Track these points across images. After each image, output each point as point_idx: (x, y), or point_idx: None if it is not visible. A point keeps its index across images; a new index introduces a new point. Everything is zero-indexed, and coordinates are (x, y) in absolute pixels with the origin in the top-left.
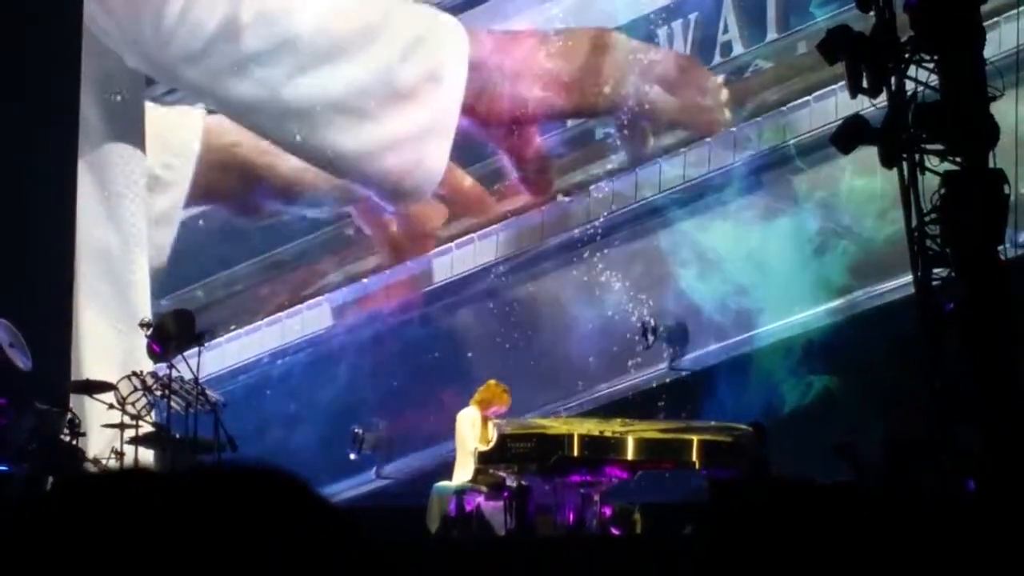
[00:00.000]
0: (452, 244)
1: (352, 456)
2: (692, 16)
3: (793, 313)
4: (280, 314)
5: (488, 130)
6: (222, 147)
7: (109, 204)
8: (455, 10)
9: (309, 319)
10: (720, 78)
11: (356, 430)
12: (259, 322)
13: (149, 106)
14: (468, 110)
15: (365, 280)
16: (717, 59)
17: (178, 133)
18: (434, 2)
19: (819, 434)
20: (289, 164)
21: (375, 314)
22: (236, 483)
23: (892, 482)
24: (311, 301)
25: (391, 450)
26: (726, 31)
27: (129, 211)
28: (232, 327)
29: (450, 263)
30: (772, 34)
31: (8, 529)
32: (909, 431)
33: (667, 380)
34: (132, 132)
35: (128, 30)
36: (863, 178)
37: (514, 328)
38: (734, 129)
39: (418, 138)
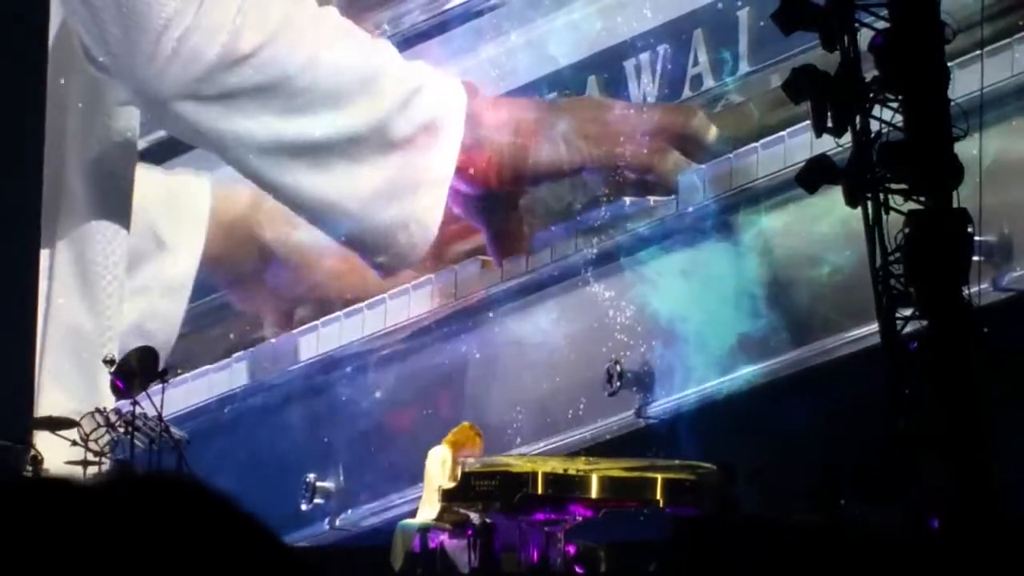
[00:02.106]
0: (408, 285)
1: (304, 506)
2: (660, 48)
3: (766, 359)
4: (228, 359)
5: (475, 191)
6: (236, 217)
7: (85, 280)
8: (414, 40)
9: (259, 362)
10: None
11: (308, 478)
12: (207, 366)
13: (155, 170)
14: (459, 169)
15: (319, 321)
16: (687, 92)
17: (185, 197)
18: (390, 32)
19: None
20: (305, 238)
21: (329, 358)
22: (152, 494)
23: (818, 511)
24: (262, 344)
25: (345, 500)
26: (696, 64)
27: (105, 292)
28: (179, 371)
29: (407, 304)
30: (745, 67)
31: None
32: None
33: (634, 428)
34: (118, 209)
35: (123, 60)
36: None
37: (472, 375)
38: (703, 167)
39: (414, 188)
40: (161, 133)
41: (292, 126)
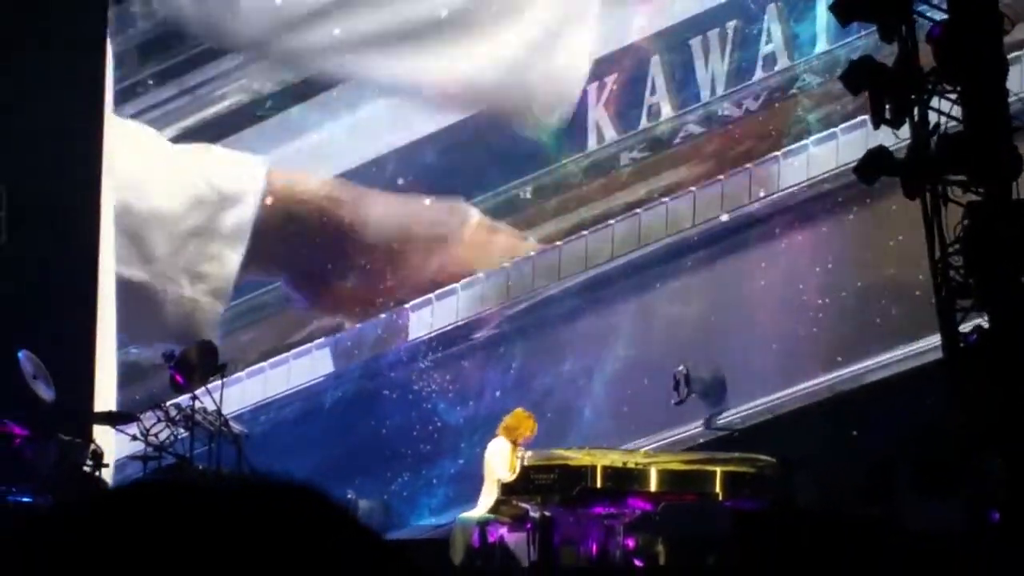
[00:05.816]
0: (457, 284)
1: None
2: (730, 24)
3: (842, 366)
4: (264, 364)
5: None
6: (287, 198)
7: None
8: None
9: (297, 369)
10: None
11: (349, 496)
12: (240, 373)
13: (207, 148)
14: None
15: (360, 325)
16: (759, 73)
17: (236, 182)
18: None
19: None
20: (370, 213)
21: (371, 364)
22: (285, 500)
23: (871, 503)
24: (299, 349)
25: (388, 519)
26: (769, 41)
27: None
28: (209, 379)
29: (455, 306)
30: (823, 45)
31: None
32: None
33: (702, 440)
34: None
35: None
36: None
37: (526, 381)
38: (777, 154)
39: (554, 35)
40: (214, 110)
41: (390, 14)
